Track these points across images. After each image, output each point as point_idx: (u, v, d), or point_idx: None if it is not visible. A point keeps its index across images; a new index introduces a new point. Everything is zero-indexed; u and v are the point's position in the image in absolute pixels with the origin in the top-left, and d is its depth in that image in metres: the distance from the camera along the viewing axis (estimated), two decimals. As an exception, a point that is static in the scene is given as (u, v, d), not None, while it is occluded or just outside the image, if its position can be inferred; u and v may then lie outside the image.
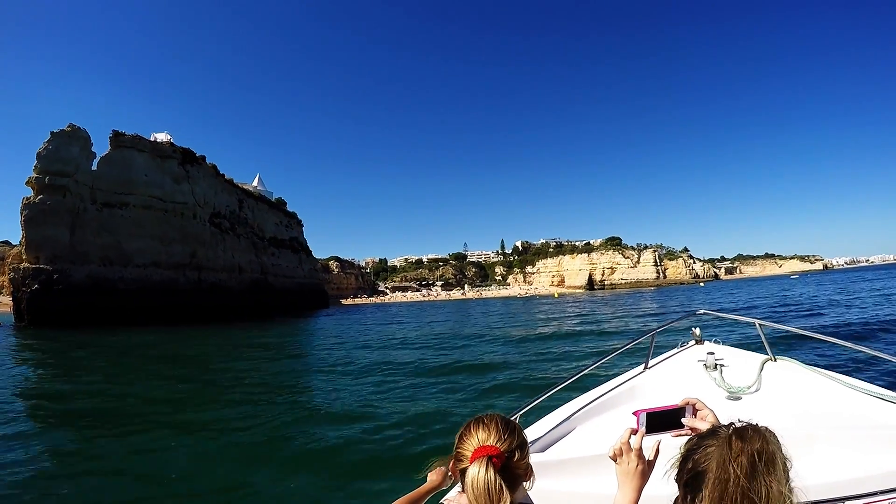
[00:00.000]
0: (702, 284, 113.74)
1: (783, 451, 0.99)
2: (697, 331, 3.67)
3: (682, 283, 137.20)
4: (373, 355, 16.35)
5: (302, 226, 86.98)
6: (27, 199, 40.36)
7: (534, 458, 1.55)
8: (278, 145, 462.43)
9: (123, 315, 39.11)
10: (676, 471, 1.09)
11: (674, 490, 1.10)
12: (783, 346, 9.69)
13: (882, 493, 1.66)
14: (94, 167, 45.69)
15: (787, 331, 3.65)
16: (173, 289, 46.38)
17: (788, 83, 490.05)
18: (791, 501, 0.95)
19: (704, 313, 3.81)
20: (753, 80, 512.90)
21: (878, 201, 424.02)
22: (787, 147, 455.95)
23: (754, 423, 1.03)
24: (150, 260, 45.26)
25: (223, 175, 61.47)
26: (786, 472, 0.97)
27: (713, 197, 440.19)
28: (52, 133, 42.06)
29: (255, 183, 79.53)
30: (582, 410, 2.73)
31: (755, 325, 3.37)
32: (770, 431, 1.02)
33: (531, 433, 2.43)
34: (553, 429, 2.50)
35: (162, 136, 55.11)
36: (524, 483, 1.32)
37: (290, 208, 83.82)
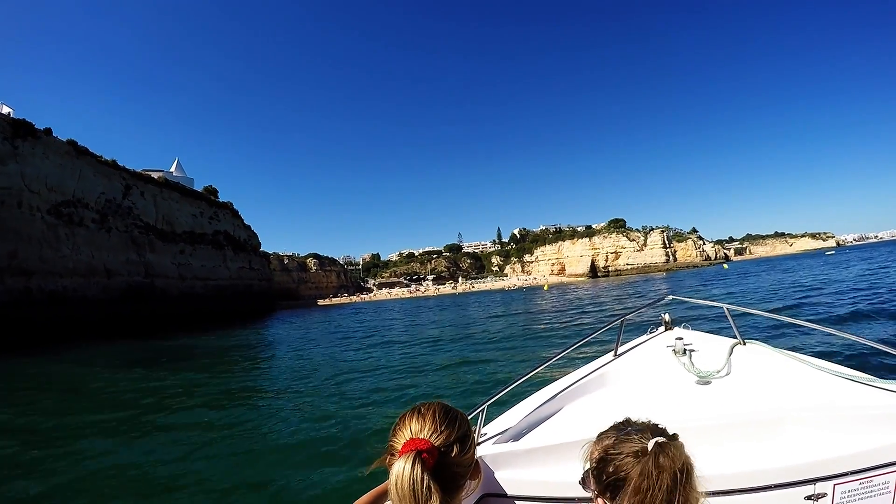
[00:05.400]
0: (726, 266, 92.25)
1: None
2: (667, 316, 3.55)
3: (694, 267, 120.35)
4: None
5: (239, 217, 74.64)
6: None
7: (506, 448, 1.57)
8: (271, 145, 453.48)
9: None
10: (593, 465, 1.12)
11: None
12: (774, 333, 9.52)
13: (853, 473, 1.63)
14: None
15: (757, 314, 3.52)
16: (-19, 303, 34.24)
17: (794, 58, 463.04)
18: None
19: (674, 299, 3.75)
20: (759, 55, 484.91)
21: (887, 176, 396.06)
22: (795, 121, 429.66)
23: (665, 430, 1.08)
24: (-64, 266, 33.18)
25: (99, 156, 49.05)
26: (695, 477, 1.02)
27: (719, 175, 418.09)
28: None
29: (171, 169, 67.11)
30: (553, 399, 2.63)
31: (723, 309, 3.24)
32: (681, 443, 1.05)
33: (501, 423, 2.38)
34: (524, 417, 2.42)
35: (4, 110, 43.09)
36: (469, 482, 1.11)
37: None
